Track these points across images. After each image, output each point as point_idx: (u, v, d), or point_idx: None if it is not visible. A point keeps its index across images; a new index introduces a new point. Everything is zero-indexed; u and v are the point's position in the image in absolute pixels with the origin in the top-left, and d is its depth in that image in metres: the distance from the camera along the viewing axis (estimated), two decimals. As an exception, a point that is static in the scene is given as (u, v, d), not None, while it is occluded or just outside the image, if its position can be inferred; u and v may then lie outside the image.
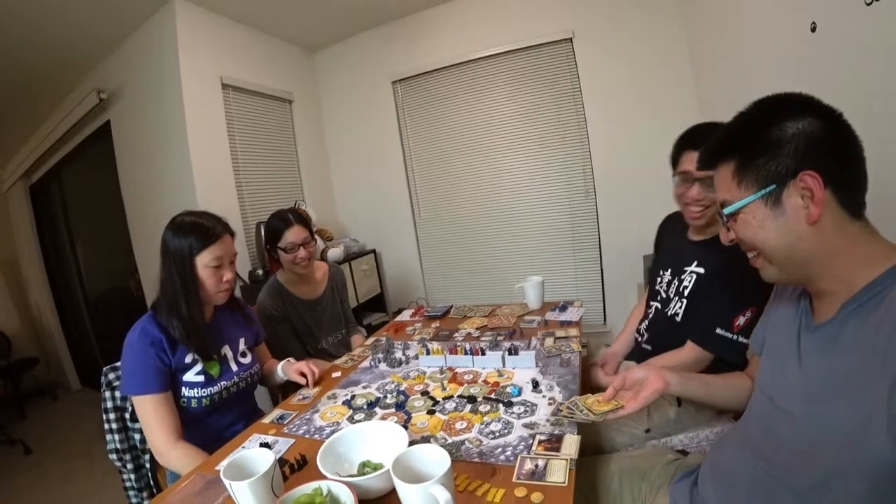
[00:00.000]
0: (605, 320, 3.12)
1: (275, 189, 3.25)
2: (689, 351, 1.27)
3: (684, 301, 1.34)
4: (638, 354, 1.51)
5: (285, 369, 1.48)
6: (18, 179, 4.20)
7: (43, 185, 4.19)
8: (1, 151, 4.16)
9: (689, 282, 1.33)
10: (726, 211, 0.74)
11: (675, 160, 1.34)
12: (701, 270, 1.31)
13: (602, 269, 3.07)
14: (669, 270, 1.42)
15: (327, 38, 3.56)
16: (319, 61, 3.75)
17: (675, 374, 0.92)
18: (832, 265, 0.67)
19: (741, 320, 1.18)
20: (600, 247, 3.05)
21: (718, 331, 1.21)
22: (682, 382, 0.92)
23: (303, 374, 1.42)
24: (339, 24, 3.33)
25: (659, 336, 1.42)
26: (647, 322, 1.50)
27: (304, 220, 1.86)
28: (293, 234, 1.80)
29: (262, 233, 2.10)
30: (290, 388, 1.51)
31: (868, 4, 1.15)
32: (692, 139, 1.30)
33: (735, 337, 1.18)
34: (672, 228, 1.52)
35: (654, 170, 2.70)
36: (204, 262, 1.26)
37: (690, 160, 1.27)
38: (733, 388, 0.97)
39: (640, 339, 1.52)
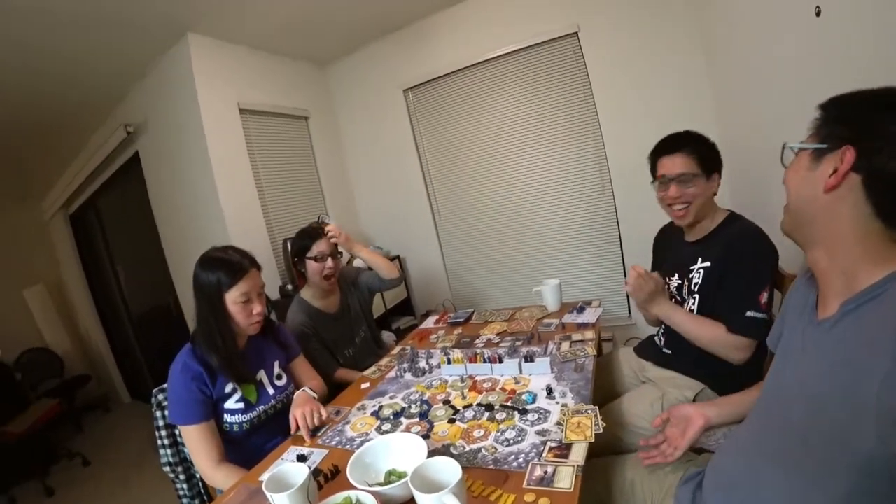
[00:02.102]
0: (629, 313, 3.14)
1: (298, 204, 3.37)
2: (728, 338, 1.27)
3: (696, 297, 1.38)
4: (657, 357, 1.55)
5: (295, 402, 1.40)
6: (59, 209, 4.46)
7: (81, 213, 4.44)
8: (41, 184, 4.43)
9: (699, 277, 1.38)
10: (787, 145, 0.78)
11: (653, 168, 1.44)
12: (707, 264, 1.36)
13: (624, 262, 3.09)
14: (677, 275, 1.47)
15: (337, 52, 3.66)
16: (331, 75, 3.85)
17: (713, 406, 1.05)
18: (837, 248, 0.70)
19: (765, 297, 1.23)
20: (621, 240, 3.07)
21: (749, 314, 1.23)
22: (720, 413, 1.03)
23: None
24: (348, 36, 3.42)
25: (677, 338, 1.44)
26: (663, 327, 1.53)
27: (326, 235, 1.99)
28: (322, 245, 1.93)
29: (289, 248, 2.19)
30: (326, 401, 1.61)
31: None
32: (664, 146, 1.42)
33: (765, 316, 1.22)
34: (668, 237, 1.58)
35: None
36: (233, 298, 1.34)
37: (665, 165, 1.39)
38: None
39: (659, 343, 1.56)
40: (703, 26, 2.52)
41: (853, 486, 0.62)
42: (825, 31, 1.36)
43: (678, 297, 1.46)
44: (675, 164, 1.38)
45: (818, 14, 1.36)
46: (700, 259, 1.38)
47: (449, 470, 0.85)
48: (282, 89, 3.34)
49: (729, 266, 1.30)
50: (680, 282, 1.45)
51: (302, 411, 1.30)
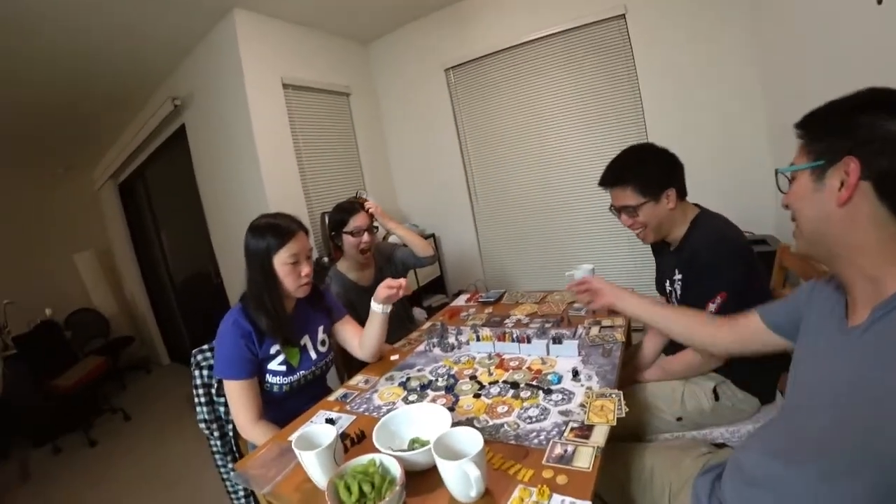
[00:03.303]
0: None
1: (337, 179, 3.43)
2: (688, 352, 1.35)
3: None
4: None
5: (376, 298, 1.48)
6: (108, 179, 4.69)
7: (130, 183, 4.65)
8: (92, 154, 4.65)
9: (679, 288, 1.40)
10: (780, 170, 0.78)
11: None
12: (680, 276, 1.39)
13: (659, 250, 3.02)
14: (668, 282, 1.47)
15: (380, 30, 3.67)
16: (373, 53, 3.87)
17: (632, 298, 1.22)
18: (860, 257, 0.68)
19: (712, 307, 1.22)
20: (659, 228, 2.99)
21: None
22: (628, 306, 1.21)
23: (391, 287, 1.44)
24: (390, 14, 3.43)
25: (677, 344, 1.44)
26: None
27: (365, 210, 2.03)
28: (359, 219, 1.97)
29: (327, 222, 2.24)
30: (355, 368, 1.65)
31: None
32: (603, 177, 1.45)
33: None
34: (660, 245, 1.55)
35: (712, 150, 2.63)
36: (281, 259, 1.37)
37: (612, 195, 1.43)
38: (686, 325, 1.13)
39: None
40: (755, 14, 2.41)
41: (879, 495, 0.61)
42: (886, 20, 1.28)
43: (673, 302, 1.46)
44: (616, 196, 1.41)
45: (879, 2, 1.28)
46: (676, 270, 1.40)
47: (471, 440, 0.86)
48: (324, 66, 3.38)
49: (688, 277, 1.35)
50: (671, 288, 1.45)
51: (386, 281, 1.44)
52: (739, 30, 2.53)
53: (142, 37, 2.71)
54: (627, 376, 1.53)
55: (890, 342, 0.62)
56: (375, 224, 2.11)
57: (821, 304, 0.83)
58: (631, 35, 2.85)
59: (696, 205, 1.43)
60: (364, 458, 0.90)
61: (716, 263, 1.24)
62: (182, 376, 4.11)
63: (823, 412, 0.71)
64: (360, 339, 1.62)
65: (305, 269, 1.42)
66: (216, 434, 1.59)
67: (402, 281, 1.45)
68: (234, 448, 1.60)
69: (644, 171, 1.36)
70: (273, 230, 1.38)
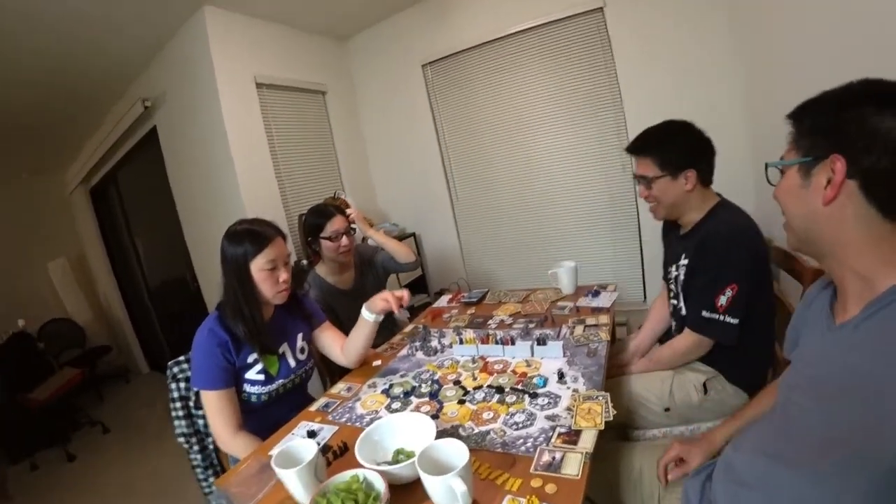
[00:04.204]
0: (645, 298, 3.10)
1: (314, 180, 3.36)
2: (686, 337, 1.36)
3: (681, 293, 1.39)
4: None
5: (371, 308, 1.47)
6: (79, 184, 4.55)
7: (101, 187, 4.52)
8: (63, 159, 4.50)
9: (682, 274, 1.39)
10: (769, 164, 0.77)
11: None
12: (686, 261, 1.37)
13: (641, 247, 3.04)
14: (674, 266, 1.46)
15: (357, 25, 3.60)
16: (349, 49, 3.80)
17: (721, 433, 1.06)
18: (847, 253, 0.68)
19: (722, 300, 1.23)
20: (639, 223, 3.01)
21: (704, 313, 1.27)
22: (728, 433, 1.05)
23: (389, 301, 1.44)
24: (366, 9, 3.36)
25: (678, 330, 1.45)
26: (673, 318, 1.53)
27: (342, 211, 1.98)
28: (336, 223, 1.92)
29: (301, 228, 2.20)
30: (337, 374, 1.62)
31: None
32: (630, 146, 1.43)
33: (721, 317, 1.24)
34: (670, 227, 1.55)
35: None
36: (259, 265, 1.34)
37: (636, 164, 1.42)
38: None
39: (673, 331, 1.54)
40: (734, 3, 2.41)
41: (870, 496, 0.60)
42: (860, 8, 1.30)
43: (675, 289, 1.45)
44: (638, 164, 1.41)
45: None
46: (683, 255, 1.39)
47: (457, 452, 0.84)
48: (299, 64, 3.30)
49: (696, 264, 1.32)
50: (676, 273, 1.44)
51: (387, 293, 1.43)
52: (719, 22, 2.52)
53: (109, 31, 2.59)
54: (614, 368, 1.53)
55: (881, 340, 0.62)
56: (354, 226, 2.07)
57: (815, 306, 0.83)
58: (609, 28, 2.83)
59: (718, 195, 1.42)
60: (347, 474, 0.87)
61: (727, 253, 1.24)
62: (162, 385, 3.91)
63: (814, 413, 0.70)
64: (341, 345, 1.59)
65: (283, 276, 1.38)
66: (196, 448, 1.55)
67: (404, 294, 1.44)
68: (216, 462, 1.56)
69: (668, 146, 1.36)
70: (250, 236, 1.35)
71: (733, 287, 1.21)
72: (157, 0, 2.43)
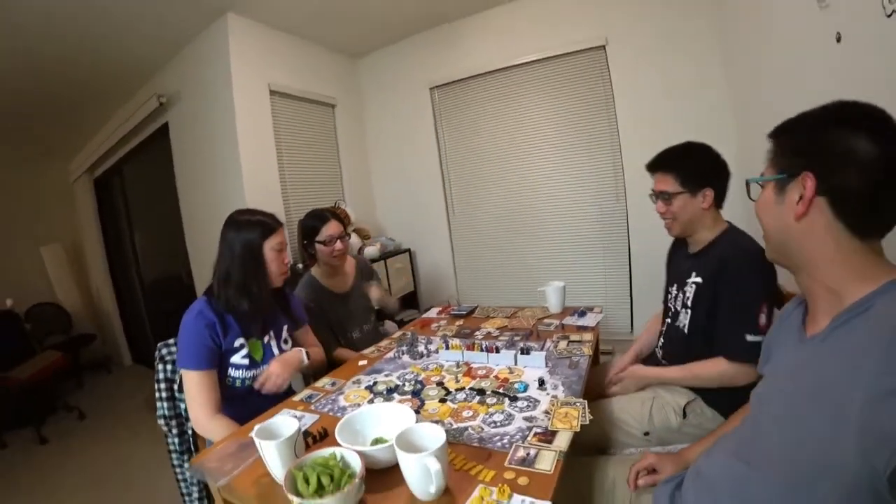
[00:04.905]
0: (631, 330, 3.12)
1: (317, 189, 3.43)
2: (724, 366, 1.28)
3: (689, 311, 1.39)
4: (655, 366, 1.55)
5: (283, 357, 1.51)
6: (84, 173, 4.60)
7: (106, 178, 4.56)
8: (70, 147, 4.56)
9: (691, 292, 1.39)
10: (750, 180, 0.82)
11: None
12: (699, 280, 1.37)
13: (631, 277, 3.09)
14: (675, 285, 1.48)
15: (369, 46, 3.73)
16: (362, 68, 3.93)
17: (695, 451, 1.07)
18: (818, 267, 0.71)
19: (762, 319, 1.20)
20: (630, 254, 3.07)
21: (749, 338, 1.20)
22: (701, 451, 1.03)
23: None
24: (380, 32, 3.49)
25: (672, 350, 1.47)
26: (662, 339, 1.54)
27: (337, 216, 2.03)
28: (331, 228, 1.96)
29: (298, 230, 2.25)
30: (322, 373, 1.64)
31: (889, 16, 1.17)
32: (651, 163, 1.46)
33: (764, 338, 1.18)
34: (676, 248, 1.59)
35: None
36: (270, 245, 1.46)
37: (654, 180, 1.45)
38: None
39: (659, 354, 1.56)
40: (726, 48, 2.54)
41: (836, 494, 0.61)
42: (845, 56, 1.38)
43: (674, 308, 1.48)
44: (658, 181, 1.44)
45: (839, 40, 1.38)
46: (694, 273, 1.40)
47: (433, 435, 0.87)
48: (312, 76, 3.40)
49: (721, 286, 1.29)
50: (677, 293, 1.47)
51: (277, 373, 1.40)
52: (715, 65, 2.64)
53: (133, 30, 2.70)
54: (594, 390, 1.55)
55: (847, 350, 0.64)
56: (348, 231, 2.12)
57: (788, 323, 0.86)
58: (610, 65, 2.96)
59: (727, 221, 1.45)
60: (325, 451, 0.90)
61: (759, 273, 1.23)
62: (144, 378, 3.99)
63: (784, 420, 0.71)
64: (312, 349, 1.68)
65: (287, 258, 1.52)
66: (175, 431, 1.55)
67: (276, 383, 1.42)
68: (193, 447, 1.57)
69: (689, 163, 1.40)
70: (261, 222, 1.48)
71: (765, 304, 1.22)
72: (182, 4, 2.54)
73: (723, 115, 2.62)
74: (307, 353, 1.55)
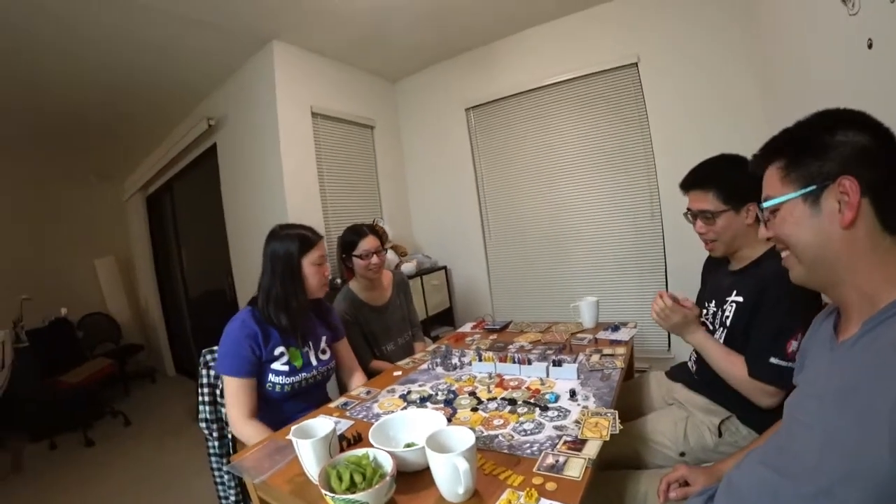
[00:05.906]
0: (669, 347, 3.04)
1: (356, 207, 3.52)
2: (744, 375, 1.24)
3: (725, 330, 1.34)
4: (688, 381, 1.52)
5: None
6: (137, 191, 4.90)
7: (157, 196, 4.84)
8: (125, 167, 4.89)
9: (730, 311, 1.33)
10: (765, 205, 0.79)
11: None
12: (740, 299, 1.31)
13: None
14: (714, 302, 1.43)
15: (407, 69, 3.85)
16: (399, 90, 4.05)
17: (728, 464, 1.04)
18: (857, 275, 0.70)
19: (793, 345, 1.15)
20: (666, 269, 3.01)
21: (773, 360, 1.17)
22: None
23: None
24: (418, 54, 3.59)
25: (705, 364, 1.42)
26: (695, 353, 1.49)
27: (375, 232, 2.10)
28: (368, 243, 2.03)
29: (338, 244, 2.32)
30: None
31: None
32: (686, 180, 1.40)
33: (789, 364, 1.14)
34: (716, 263, 1.53)
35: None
36: (311, 259, 1.52)
37: (690, 199, 1.38)
38: None
39: (691, 369, 1.52)
40: (758, 60, 2.50)
41: (866, 498, 0.60)
42: (877, 63, 1.34)
43: (710, 325, 1.43)
44: (696, 199, 1.36)
45: (870, 47, 1.35)
46: (735, 292, 1.33)
47: (463, 437, 0.89)
48: (352, 98, 3.53)
49: (761, 307, 1.23)
50: (715, 310, 1.41)
51: None
52: (748, 78, 2.60)
53: (184, 60, 2.92)
54: (631, 409, 1.52)
55: (878, 352, 0.63)
56: (385, 247, 2.17)
57: (820, 331, 0.84)
58: (643, 82, 2.96)
59: None
60: (358, 451, 0.93)
61: (794, 303, 1.15)
62: (186, 389, 4.14)
63: (815, 428, 0.70)
64: (348, 365, 1.76)
65: (327, 270, 1.58)
66: (215, 435, 1.62)
67: None
68: (231, 451, 1.63)
69: (731, 177, 1.30)
70: (302, 237, 1.54)
71: (800, 332, 1.11)
72: (232, 36, 2.74)
73: (761, 131, 2.54)
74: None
